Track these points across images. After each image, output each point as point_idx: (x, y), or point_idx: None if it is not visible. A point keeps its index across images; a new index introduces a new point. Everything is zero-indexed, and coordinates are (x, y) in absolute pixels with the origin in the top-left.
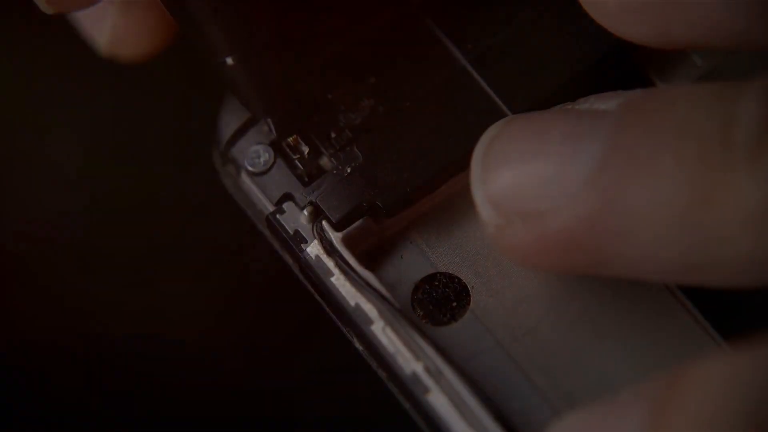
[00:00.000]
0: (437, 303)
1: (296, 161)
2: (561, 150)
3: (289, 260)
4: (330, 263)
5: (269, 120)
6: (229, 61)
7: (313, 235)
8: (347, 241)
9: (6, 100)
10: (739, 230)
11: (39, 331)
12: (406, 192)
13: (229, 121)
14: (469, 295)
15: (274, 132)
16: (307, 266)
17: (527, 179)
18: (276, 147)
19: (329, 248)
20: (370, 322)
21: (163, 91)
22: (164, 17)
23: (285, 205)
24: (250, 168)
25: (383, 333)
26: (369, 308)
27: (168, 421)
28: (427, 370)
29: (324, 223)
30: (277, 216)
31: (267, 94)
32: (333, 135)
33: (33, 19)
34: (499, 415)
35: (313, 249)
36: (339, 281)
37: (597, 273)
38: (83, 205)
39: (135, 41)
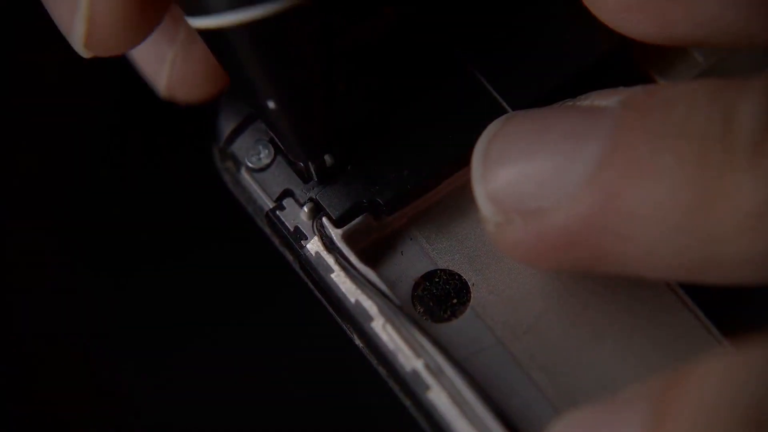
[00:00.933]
0: (437, 300)
1: None
2: (561, 147)
3: (289, 257)
4: (330, 260)
5: (310, 164)
6: (271, 104)
7: (313, 231)
8: (347, 238)
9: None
10: (739, 229)
11: (32, 327)
12: (406, 189)
13: (229, 117)
14: (470, 292)
15: (315, 177)
16: (307, 263)
17: (527, 177)
18: (275, 143)
19: (329, 245)
20: (371, 318)
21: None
22: None
23: (285, 202)
24: (249, 164)
25: (383, 330)
26: (369, 305)
27: (167, 421)
28: (428, 367)
29: (324, 219)
30: (277, 212)
31: (311, 139)
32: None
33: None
34: (499, 412)
35: (313, 245)
36: (339, 278)
37: (597, 271)
38: (79, 201)
39: (193, 84)
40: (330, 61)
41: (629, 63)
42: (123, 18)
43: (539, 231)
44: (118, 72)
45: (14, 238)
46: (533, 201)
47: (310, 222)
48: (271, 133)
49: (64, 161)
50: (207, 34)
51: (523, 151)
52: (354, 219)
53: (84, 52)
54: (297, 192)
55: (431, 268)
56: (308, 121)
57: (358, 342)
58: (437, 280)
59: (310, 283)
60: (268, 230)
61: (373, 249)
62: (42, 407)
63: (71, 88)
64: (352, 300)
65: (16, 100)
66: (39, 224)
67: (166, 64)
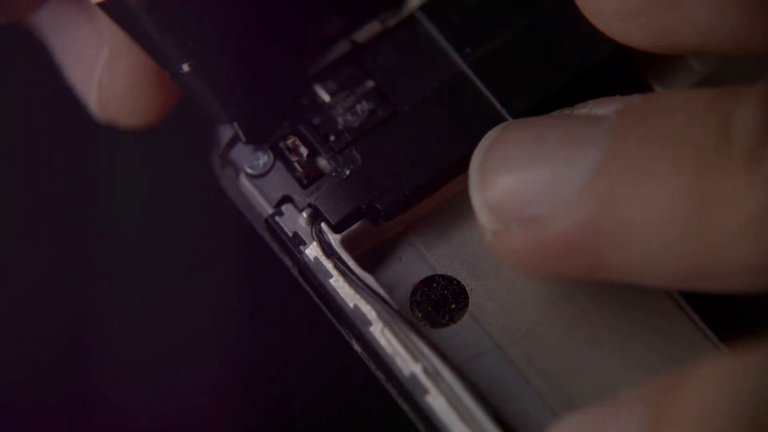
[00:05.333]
0: (436, 305)
1: (295, 164)
2: (559, 155)
3: (288, 262)
4: (329, 265)
5: (235, 125)
6: (185, 68)
7: (312, 237)
8: (346, 243)
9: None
10: (736, 237)
11: (34, 327)
12: (404, 194)
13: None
14: (468, 298)
15: (243, 138)
16: (305, 268)
17: (525, 185)
18: (275, 149)
19: (328, 250)
20: (369, 323)
21: None
22: (162, 75)
23: (284, 208)
24: (248, 170)
25: (382, 334)
26: (368, 310)
27: (167, 421)
28: (426, 371)
29: (323, 225)
30: (276, 218)
31: (227, 101)
32: (332, 137)
33: None
34: (497, 416)
35: (312, 251)
36: (338, 283)
37: (594, 279)
38: (80, 206)
39: (128, 104)
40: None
41: (627, 71)
42: (132, 98)
43: (537, 239)
44: None
45: (14, 239)
46: (531, 209)
47: (308, 227)
48: (194, 100)
49: (64, 161)
50: (107, 6)
51: (521, 160)
52: (353, 224)
53: (99, 119)
54: (296, 198)
55: (430, 273)
56: (224, 80)
57: (356, 347)
58: (435, 285)
59: (308, 289)
60: (267, 236)
61: (372, 254)
62: (42, 408)
63: (71, 90)
64: (351, 305)
65: (16, 100)
66: (39, 224)
67: (93, 83)
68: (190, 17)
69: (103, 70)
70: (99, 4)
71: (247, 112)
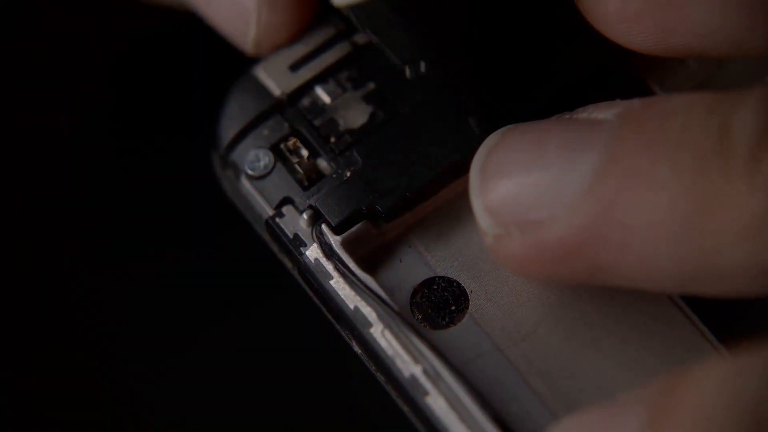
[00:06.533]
0: (436, 307)
1: (296, 165)
2: (558, 159)
3: (288, 264)
4: (329, 266)
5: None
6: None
7: (313, 238)
8: (346, 245)
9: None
10: (737, 239)
11: (31, 327)
12: (405, 196)
13: (229, 125)
14: (468, 300)
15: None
16: (306, 270)
17: (525, 189)
18: (275, 151)
19: (328, 252)
20: (369, 325)
21: (162, 95)
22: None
23: (284, 209)
24: (249, 172)
25: (382, 336)
26: (368, 311)
27: (164, 422)
28: (426, 373)
29: (323, 226)
30: (277, 220)
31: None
32: (332, 139)
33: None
34: (497, 418)
35: (313, 252)
36: (338, 284)
37: (594, 283)
38: (79, 203)
39: (280, 30)
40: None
41: (628, 74)
42: (286, 22)
43: (537, 243)
44: (118, 74)
45: (14, 238)
46: (531, 213)
47: (309, 229)
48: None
49: (64, 162)
50: (352, 10)
51: (521, 164)
52: (353, 226)
53: (252, 53)
54: (296, 199)
55: (430, 275)
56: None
57: (356, 348)
58: (436, 287)
59: (309, 290)
60: (267, 237)
61: (372, 256)
62: (42, 408)
63: (71, 91)
64: (351, 306)
65: (16, 101)
66: (38, 225)
67: (251, 20)
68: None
69: (262, 3)
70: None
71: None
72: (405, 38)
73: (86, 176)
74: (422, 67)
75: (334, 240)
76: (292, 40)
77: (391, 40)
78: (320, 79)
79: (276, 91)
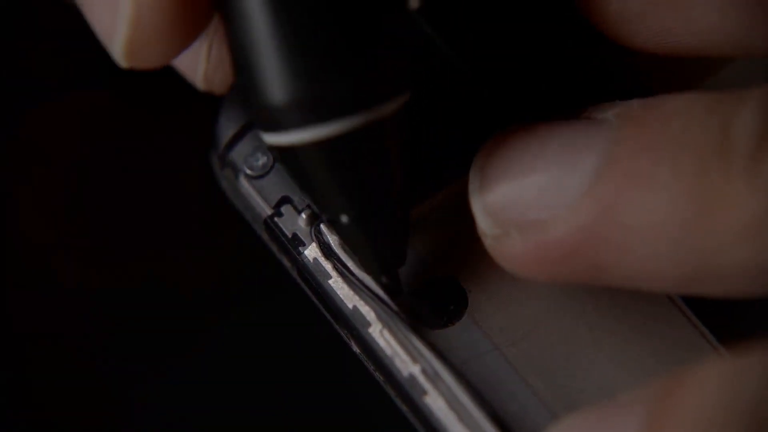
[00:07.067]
0: (435, 306)
1: None
2: (558, 160)
3: (287, 263)
4: (328, 266)
5: (383, 278)
6: (344, 219)
7: (311, 238)
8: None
9: None
10: (737, 239)
11: (31, 327)
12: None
13: (228, 124)
14: (467, 299)
15: (387, 295)
16: (304, 269)
17: (525, 189)
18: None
19: (327, 251)
20: (368, 324)
21: (161, 96)
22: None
23: (283, 209)
24: (248, 171)
25: (381, 335)
26: (366, 311)
27: (163, 423)
28: (425, 372)
29: (322, 226)
30: (275, 219)
31: (384, 255)
32: None
33: None
34: (496, 417)
35: (311, 252)
36: (337, 284)
37: (594, 283)
38: (78, 203)
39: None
40: (406, 175)
41: (628, 74)
42: (169, 22)
43: (537, 244)
44: (118, 75)
45: (14, 238)
46: (531, 214)
47: (308, 228)
48: (346, 246)
49: (64, 162)
50: (278, 150)
51: (521, 164)
52: None
53: (124, 61)
54: (295, 199)
55: (429, 274)
56: (383, 235)
57: (355, 348)
58: (434, 287)
59: (307, 290)
60: (265, 237)
61: None
62: (41, 409)
63: (71, 90)
64: (350, 306)
65: (16, 102)
66: (38, 225)
67: (201, 56)
68: (362, 172)
69: (212, 40)
70: (270, 147)
71: (396, 266)
72: (332, 190)
73: (86, 176)
74: (343, 219)
75: (333, 239)
76: (176, 52)
77: (314, 189)
78: None
79: None
